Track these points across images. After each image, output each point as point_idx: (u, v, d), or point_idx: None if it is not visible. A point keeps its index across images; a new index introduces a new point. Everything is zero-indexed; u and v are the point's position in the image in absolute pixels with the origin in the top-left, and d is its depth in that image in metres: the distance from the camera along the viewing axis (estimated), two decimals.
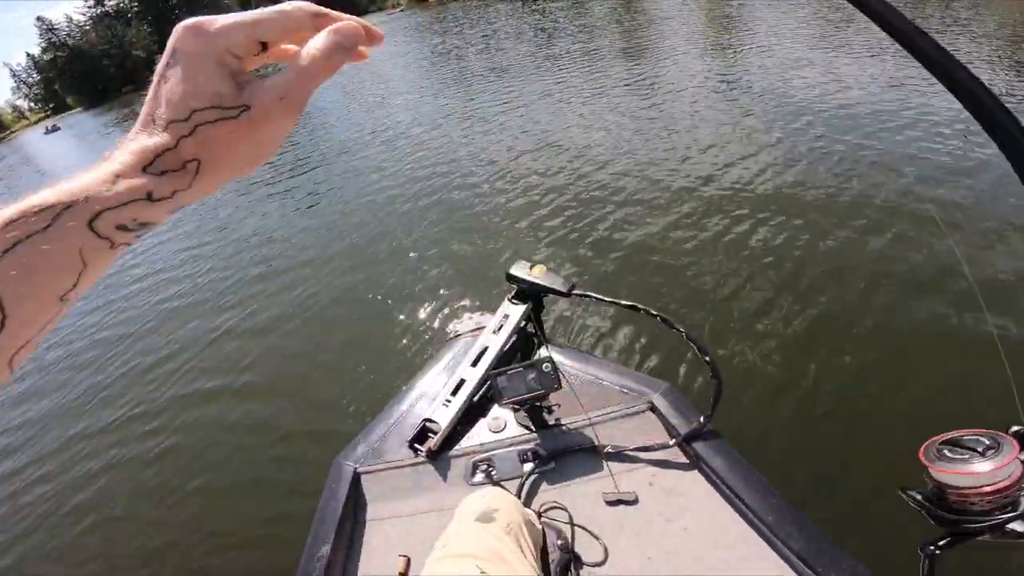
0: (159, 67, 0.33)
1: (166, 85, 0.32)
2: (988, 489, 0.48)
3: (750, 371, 2.42)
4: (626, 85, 7.79)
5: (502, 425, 1.49)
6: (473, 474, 1.42)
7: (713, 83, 7.00)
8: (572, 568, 1.20)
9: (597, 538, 1.25)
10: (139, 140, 0.32)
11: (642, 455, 1.35)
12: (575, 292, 1.49)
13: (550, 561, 1.19)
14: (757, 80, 6.72)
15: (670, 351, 2.55)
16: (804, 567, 1.05)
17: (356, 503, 1.44)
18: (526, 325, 1.60)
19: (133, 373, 4.00)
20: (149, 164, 0.31)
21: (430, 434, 1.46)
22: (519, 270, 1.57)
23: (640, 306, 1.36)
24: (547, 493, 1.37)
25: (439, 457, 1.45)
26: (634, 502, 1.29)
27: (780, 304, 2.79)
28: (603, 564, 1.21)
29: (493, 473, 1.40)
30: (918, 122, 4.51)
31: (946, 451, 0.50)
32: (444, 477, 1.43)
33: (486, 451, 1.44)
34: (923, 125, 4.44)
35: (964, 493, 0.49)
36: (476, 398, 1.51)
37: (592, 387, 1.49)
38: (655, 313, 1.32)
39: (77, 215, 0.29)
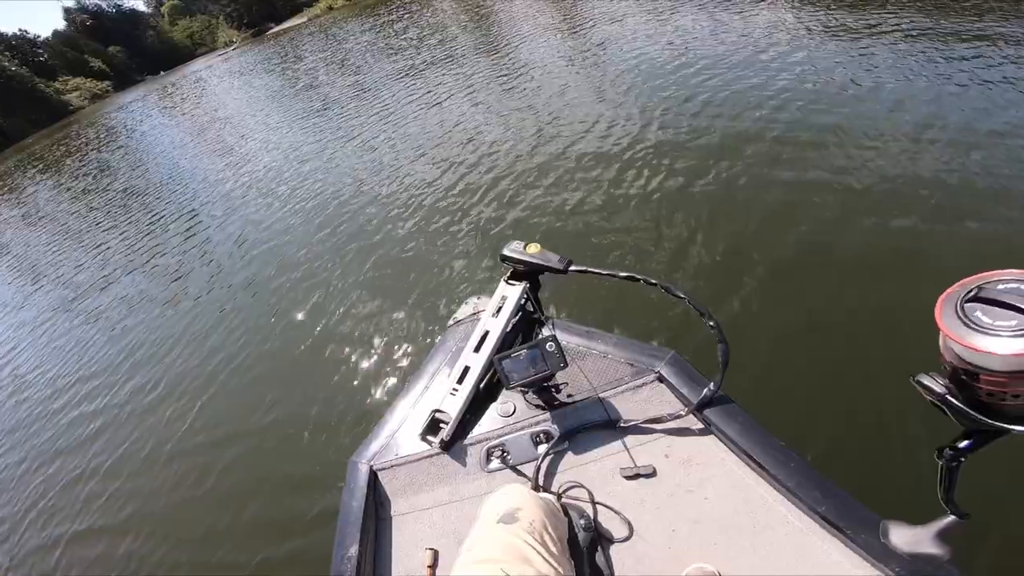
0: None
1: None
2: None
3: (748, 327, 2.41)
4: (498, 76, 7.71)
5: (511, 409, 1.47)
6: (488, 461, 1.42)
7: (575, 59, 7.14)
8: (599, 547, 1.20)
9: (619, 514, 1.24)
10: None
11: (655, 426, 1.34)
12: (572, 268, 1.45)
13: (579, 542, 1.19)
14: (615, 49, 6.95)
15: (672, 319, 2.54)
16: (830, 526, 1.04)
17: (376, 500, 1.44)
18: (525, 304, 1.57)
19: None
20: None
21: (441, 425, 1.45)
22: (513, 250, 1.52)
23: (638, 276, 1.32)
24: (565, 473, 1.37)
25: (452, 447, 1.45)
26: (652, 475, 1.28)
27: (749, 253, 2.82)
28: (629, 539, 1.21)
29: (508, 458, 1.40)
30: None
31: (979, 312, 0.34)
32: (460, 466, 1.44)
33: (499, 436, 1.44)
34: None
35: (1004, 379, 0.33)
36: (483, 384, 1.50)
37: (598, 362, 1.47)
38: (654, 282, 1.29)
39: None
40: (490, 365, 1.47)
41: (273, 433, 2.98)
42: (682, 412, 1.29)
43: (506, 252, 1.53)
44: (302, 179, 6.73)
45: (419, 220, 4.48)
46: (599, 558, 1.19)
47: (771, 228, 2.92)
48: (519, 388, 1.38)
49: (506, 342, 1.53)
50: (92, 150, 18.29)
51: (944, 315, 0.36)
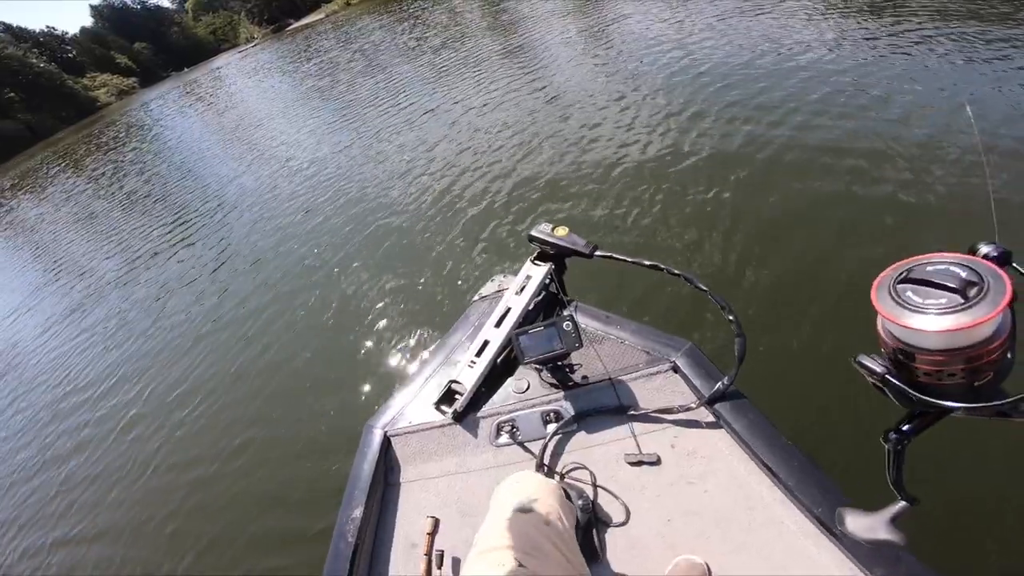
0: None
1: None
2: (972, 353, 0.32)
3: (765, 329, 2.38)
4: (524, 74, 7.53)
5: (526, 386, 1.50)
6: (498, 435, 1.44)
7: (600, 66, 6.84)
8: (595, 528, 1.22)
9: (618, 498, 1.26)
10: None
11: (665, 416, 1.34)
12: (597, 253, 1.47)
13: (576, 522, 1.19)
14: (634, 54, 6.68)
15: (692, 309, 2.54)
16: (824, 530, 1.04)
17: (387, 466, 1.48)
18: (549, 285, 1.60)
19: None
20: None
21: (456, 396, 1.49)
22: (541, 231, 1.55)
23: (662, 266, 1.34)
24: (570, 454, 1.38)
25: (465, 419, 1.48)
26: (656, 463, 1.29)
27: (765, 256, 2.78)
28: (624, 524, 1.23)
29: (517, 434, 1.43)
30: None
31: (909, 292, 0.34)
32: (470, 438, 1.46)
33: (510, 412, 1.46)
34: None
35: (937, 359, 0.34)
36: (500, 359, 1.53)
37: (615, 347, 1.49)
38: (678, 272, 1.30)
39: None
40: (509, 341, 1.51)
41: (301, 396, 3.14)
42: (693, 404, 1.30)
43: (534, 233, 1.57)
44: (328, 167, 6.84)
45: (453, 204, 4.55)
46: (594, 539, 1.21)
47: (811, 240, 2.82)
48: (534, 365, 1.41)
49: (527, 320, 1.57)
50: (115, 148, 18.58)
51: (879, 297, 0.37)
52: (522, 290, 1.59)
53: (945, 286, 0.33)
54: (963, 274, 0.33)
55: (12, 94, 54.16)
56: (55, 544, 3.03)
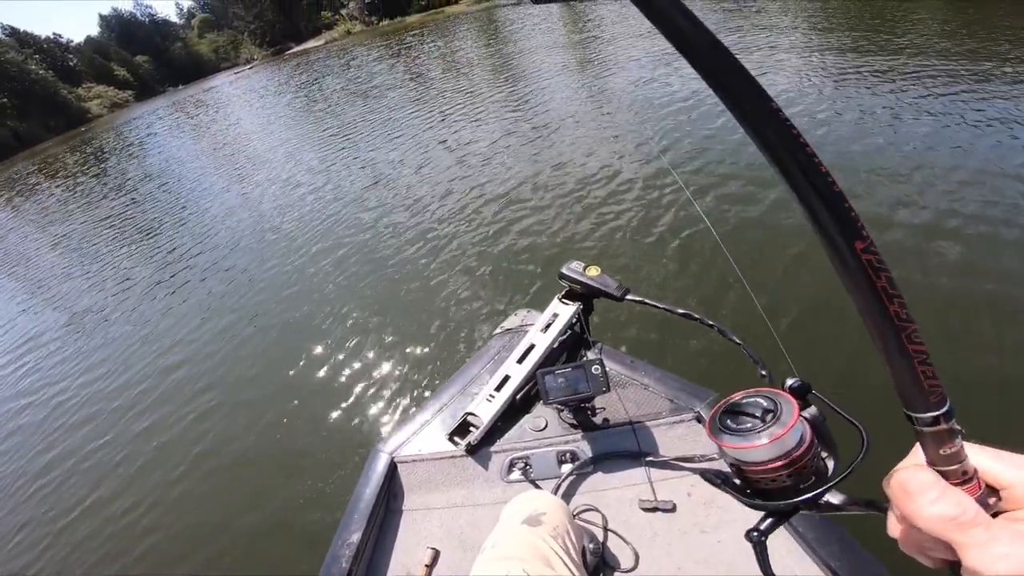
0: None
1: None
2: (780, 463, 0.42)
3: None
4: (514, 109, 7.78)
5: (543, 424, 1.47)
6: (510, 471, 1.41)
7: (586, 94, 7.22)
8: (602, 572, 1.19)
9: (628, 544, 1.23)
10: None
11: (684, 464, 1.31)
12: (628, 297, 1.45)
13: (585, 565, 1.16)
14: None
15: (721, 361, 2.49)
16: None
17: (390, 492, 1.44)
18: (575, 325, 1.57)
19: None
20: None
21: (471, 428, 1.45)
22: (572, 269, 1.53)
23: (695, 315, 1.32)
24: (583, 496, 1.36)
25: (477, 452, 1.44)
26: (671, 510, 1.27)
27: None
28: (633, 570, 1.20)
29: (530, 472, 1.40)
30: None
31: (729, 421, 0.44)
32: (480, 472, 1.43)
33: (525, 449, 1.43)
34: None
35: (759, 470, 0.43)
36: (519, 395, 1.49)
37: (638, 393, 1.46)
38: (711, 323, 1.28)
39: None
40: (531, 378, 1.48)
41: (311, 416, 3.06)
42: (715, 456, 1.27)
43: (565, 271, 1.54)
44: (326, 197, 6.75)
45: (474, 237, 4.52)
46: None
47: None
48: (556, 405, 1.38)
49: (550, 358, 1.53)
50: (98, 162, 18.30)
51: (711, 430, 0.46)
52: (548, 327, 1.55)
53: (752, 414, 0.44)
54: (764, 403, 0.43)
55: (5, 99, 53.91)
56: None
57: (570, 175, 5.03)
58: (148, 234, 7.69)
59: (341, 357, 3.48)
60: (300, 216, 6.33)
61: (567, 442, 1.42)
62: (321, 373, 3.40)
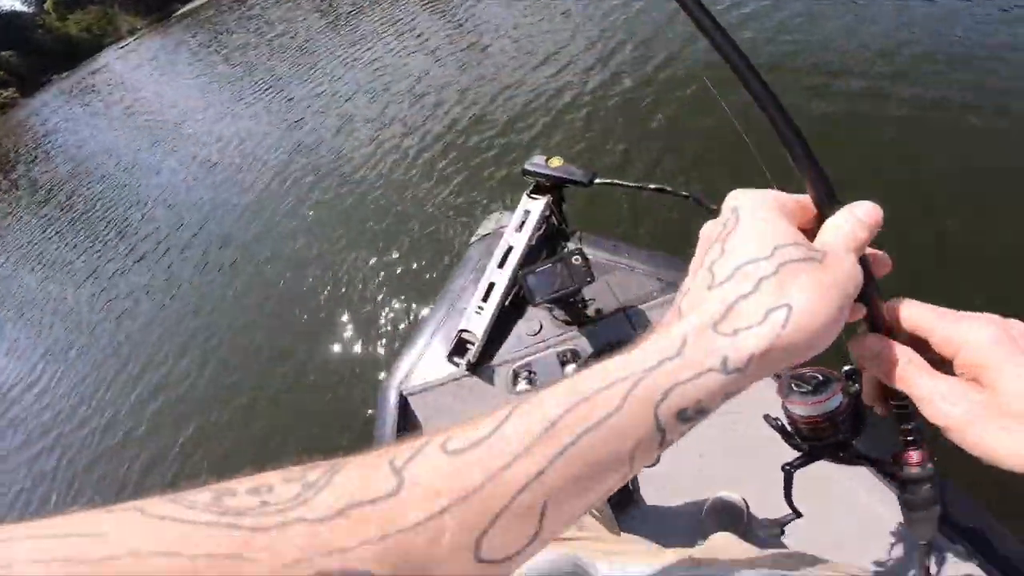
0: (713, 233, 0.33)
1: (733, 238, 0.31)
2: (820, 418, 0.54)
3: None
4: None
5: (538, 327, 1.44)
6: (515, 383, 1.39)
7: None
8: None
9: None
10: (699, 302, 0.30)
11: None
12: (596, 181, 1.41)
13: None
14: None
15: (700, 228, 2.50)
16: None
17: (407, 427, 1.42)
18: (549, 218, 1.53)
19: None
20: (722, 320, 0.28)
21: (467, 345, 1.43)
22: (534, 164, 1.48)
23: (668, 188, 1.30)
24: None
25: (479, 368, 1.42)
26: None
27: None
28: (655, 463, 1.18)
29: (536, 380, 1.38)
30: None
31: (793, 385, 0.55)
32: (488, 389, 1.42)
33: (525, 356, 1.41)
34: None
35: (805, 421, 0.55)
36: (508, 301, 1.46)
37: (625, 276, 1.43)
38: (686, 193, 1.26)
39: (643, 395, 0.27)
40: (515, 281, 1.44)
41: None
42: None
43: (528, 167, 1.49)
44: (287, 146, 6.36)
45: (424, 155, 4.42)
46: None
47: None
48: (545, 305, 1.35)
49: (530, 257, 1.49)
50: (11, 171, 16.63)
51: (780, 387, 0.56)
52: (522, 226, 1.50)
53: (810, 381, 0.54)
54: (820, 377, 0.53)
55: None
56: None
57: (515, 75, 4.87)
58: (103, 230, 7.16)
59: (328, 293, 3.47)
60: (230, 176, 6.13)
61: (564, 341, 1.40)
62: (313, 311, 3.41)
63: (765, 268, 0.29)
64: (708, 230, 0.35)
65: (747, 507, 1.20)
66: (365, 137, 5.25)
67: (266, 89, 8.92)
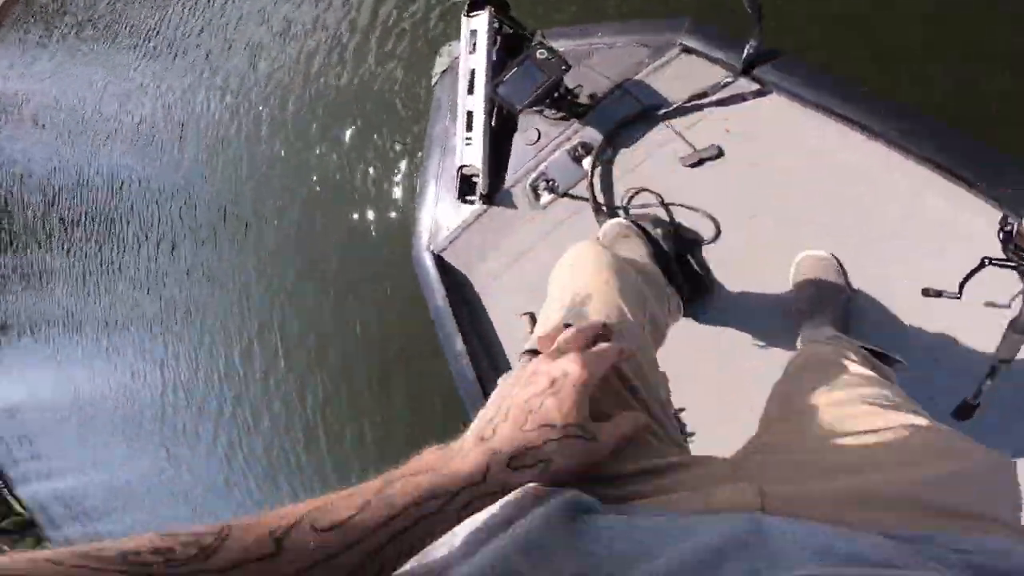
0: (529, 393, 0.41)
1: (545, 402, 0.39)
2: None
3: None
4: None
5: (535, 135, 1.38)
6: (537, 197, 1.34)
7: None
8: (690, 252, 1.14)
9: (697, 209, 1.15)
10: (491, 442, 0.38)
11: (702, 102, 1.16)
12: None
13: (665, 252, 1.08)
14: None
15: None
16: (951, 176, 0.93)
17: (453, 285, 1.40)
18: (500, 29, 1.43)
19: None
20: (515, 459, 0.36)
21: (473, 179, 1.40)
22: None
23: None
24: (621, 181, 1.25)
25: (495, 197, 1.39)
26: (718, 155, 1.15)
27: None
28: (718, 236, 1.14)
29: (556, 186, 1.32)
30: None
31: None
32: (513, 214, 1.37)
33: (537, 168, 1.34)
34: None
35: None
36: (493, 122, 1.41)
37: (607, 55, 1.32)
38: None
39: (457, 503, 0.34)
40: (492, 101, 1.37)
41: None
42: (728, 78, 1.12)
43: None
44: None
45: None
46: (692, 265, 1.12)
47: None
48: (531, 111, 1.29)
49: (499, 74, 1.41)
50: None
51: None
52: (475, 47, 1.41)
53: None
54: None
55: None
56: None
57: None
58: None
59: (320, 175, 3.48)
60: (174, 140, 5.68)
61: (570, 137, 1.32)
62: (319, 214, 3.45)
63: (553, 434, 0.39)
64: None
65: (839, 263, 1.04)
66: (286, 56, 4.77)
67: (148, 48, 7.91)
